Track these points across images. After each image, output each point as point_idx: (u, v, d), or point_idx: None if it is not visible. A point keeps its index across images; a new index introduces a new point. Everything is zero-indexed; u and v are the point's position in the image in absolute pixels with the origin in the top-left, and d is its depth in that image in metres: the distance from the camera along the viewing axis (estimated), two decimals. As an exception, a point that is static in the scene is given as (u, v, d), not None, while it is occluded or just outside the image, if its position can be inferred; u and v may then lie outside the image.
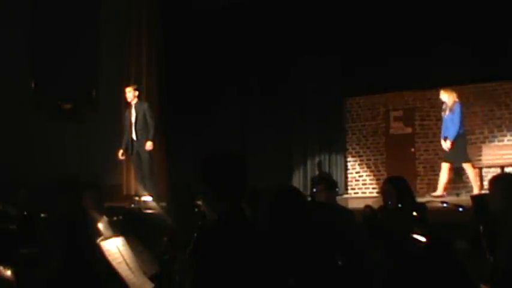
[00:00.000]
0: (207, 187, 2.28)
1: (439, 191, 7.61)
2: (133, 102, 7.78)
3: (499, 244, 3.35)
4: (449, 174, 7.62)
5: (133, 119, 7.74)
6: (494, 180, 3.71)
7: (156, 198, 7.50)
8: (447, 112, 7.58)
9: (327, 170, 9.37)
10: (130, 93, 7.80)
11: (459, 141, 7.47)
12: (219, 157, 2.39)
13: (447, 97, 7.61)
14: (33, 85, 10.39)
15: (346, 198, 8.55)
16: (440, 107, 8.93)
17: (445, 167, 7.60)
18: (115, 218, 5.09)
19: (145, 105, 7.80)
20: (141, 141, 7.66)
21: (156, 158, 9.56)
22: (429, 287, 2.98)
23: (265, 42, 9.48)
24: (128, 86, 8.00)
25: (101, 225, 4.59)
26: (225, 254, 2.08)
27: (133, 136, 7.74)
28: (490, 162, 8.17)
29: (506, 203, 3.47)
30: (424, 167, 8.98)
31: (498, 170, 7.89)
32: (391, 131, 9.26)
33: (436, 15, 8.40)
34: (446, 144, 7.50)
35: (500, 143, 8.49)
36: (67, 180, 4.55)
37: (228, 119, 9.78)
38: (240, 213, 2.27)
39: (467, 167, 7.57)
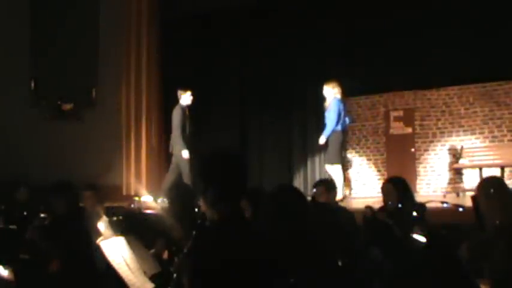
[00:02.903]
0: (207, 187, 2.28)
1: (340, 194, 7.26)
2: (187, 105, 7.89)
3: (493, 245, 3.37)
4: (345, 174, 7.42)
5: (187, 122, 7.88)
6: (478, 183, 3.80)
7: (156, 198, 7.51)
8: (326, 108, 7.43)
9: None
10: (191, 97, 7.92)
11: (332, 140, 7.28)
12: (219, 157, 2.39)
13: (327, 92, 7.45)
14: (33, 85, 10.42)
15: (346, 199, 8.54)
16: (441, 107, 8.96)
17: (333, 169, 7.41)
18: (115, 218, 5.10)
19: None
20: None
21: (156, 157, 9.59)
22: (429, 287, 2.98)
23: (265, 42, 9.48)
24: (187, 90, 8.00)
25: (101, 225, 4.60)
26: (223, 253, 2.08)
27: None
28: (490, 162, 8.17)
29: (488, 205, 3.52)
30: (424, 167, 8.98)
31: (498, 170, 7.90)
32: (391, 131, 9.26)
33: (437, 15, 8.40)
34: (321, 140, 7.34)
35: (500, 143, 8.48)
36: (62, 183, 4.55)
37: (228, 118, 9.77)
38: (240, 213, 2.26)
39: (332, 169, 7.28)
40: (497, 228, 3.41)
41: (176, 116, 7.81)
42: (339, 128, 7.35)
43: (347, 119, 7.71)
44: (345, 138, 7.69)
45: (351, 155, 9.53)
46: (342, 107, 7.43)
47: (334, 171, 7.35)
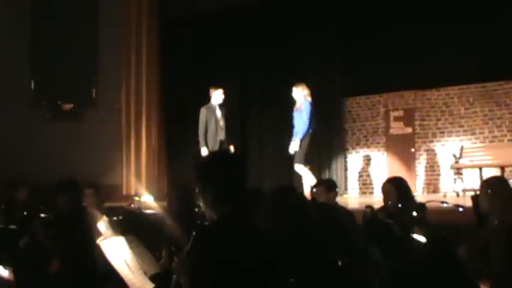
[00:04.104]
0: (207, 187, 2.27)
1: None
2: (219, 103, 7.79)
3: (491, 246, 3.37)
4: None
5: (223, 120, 7.79)
6: (482, 183, 3.80)
7: (156, 198, 7.52)
8: (296, 109, 7.40)
9: (327, 170, 9.35)
10: (223, 95, 7.80)
11: (303, 142, 7.24)
12: (219, 156, 2.38)
13: (297, 94, 7.41)
14: (33, 85, 10.42)
15: (346, 198, 8.54)
16: (441, 107, 8.96)
17: (303, 168, 7.35)
18: (115, 218, 5.09)
19: (224, 109, 7.86)
20: (226, 142, 7.78)
21: (156, 157, 9.59)
22: (429, 287, 2.98)
23: (265, 41, 9.48)
24: (218, 87, 7.82)
25: (101, 225, 4.59)
26: (223, 254, 2.08)
27: (222, 136, 7.76)
28: (490, 162, 8.17)
29: (490, 204, 3.53)
30: (424, 167, 8.98)
31: (498, 170, 7.89)
32: (391, 131, 9.25)
33: (437, 15, 8.41)
34: (295, 144, 7.23)
35: (500, 143, 8.48)
36: (69, 181, 4.55)
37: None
38: (239, 213, 2.26)
39: (299, 168, 7.31)
40: (496, 228, 3.41)
41: (201, 115, 7.80)
42: (310, 130, 7.35)
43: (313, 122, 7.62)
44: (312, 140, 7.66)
45: (351, 155, 9.54)
46: (312, 109, 7.41)
47: (301, 171, 7.36)
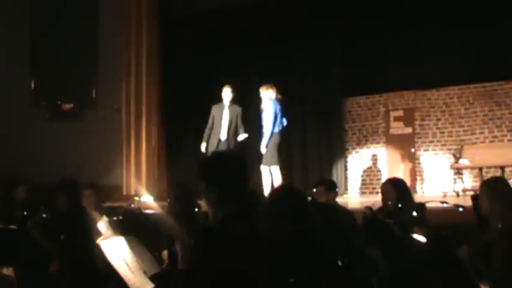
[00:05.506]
0: (210, 187, 2.27)
1: None
2: (228, 103, 7.74)
3: (493, 247, 3.37)
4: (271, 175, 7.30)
5: (227, 120, 7.71)
6: (481, 184, 3.81)
7: (156, 198, 7.51)
8: (262, 110, 7.41)
9: (326, 170, 9.35)
10: (232, 94, 7.76)
11: (272, 141, 7.25)
12: (222, 157, 2.38)
13: (263, 95, 7.41)
14: (33, 85, 10.42)
15: (346, 198, 8.55)
16: (441, 107, 8.97)
17: (264, 170, 7.30)
18: (115, 218, 5.09)
19: (238, 109, 7.78)
20: (226, 143, 7.68)
21: (156, 157, 9.59)
22: (429, 287, 2.98)
23: (265, 41, 9.48)
24: (226, 85, 7.80)
25: (101, 225, 4.59)
26: (226, 253, 2.08)
27: (223, 137, 7.66)
28: (490, 162, 8.16)
29: (490, 206, 3.53)
30: (424, 167, 8.98)
31: (498, 170, 7.89)
32: (391, 131, 9.26)
33: (437, 15, 8.41)
34: (262, 150, 7.21)
35: (500, 143, 8.48)
36: (69, 180, 4.55)
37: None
38: (243, 213, 2.25)
39: (274, 170, 7.25)
40: (499, 230, 3.40)
41: (211, 112, 7.82)
42: (276, 130, 7.31)
43: (284, 121, 7.54)
44: (283, 140, 7.61)
45: (351, 155, 9.54)
46: (278, 109, 7.39)
47: (273, 172, 7.30)
